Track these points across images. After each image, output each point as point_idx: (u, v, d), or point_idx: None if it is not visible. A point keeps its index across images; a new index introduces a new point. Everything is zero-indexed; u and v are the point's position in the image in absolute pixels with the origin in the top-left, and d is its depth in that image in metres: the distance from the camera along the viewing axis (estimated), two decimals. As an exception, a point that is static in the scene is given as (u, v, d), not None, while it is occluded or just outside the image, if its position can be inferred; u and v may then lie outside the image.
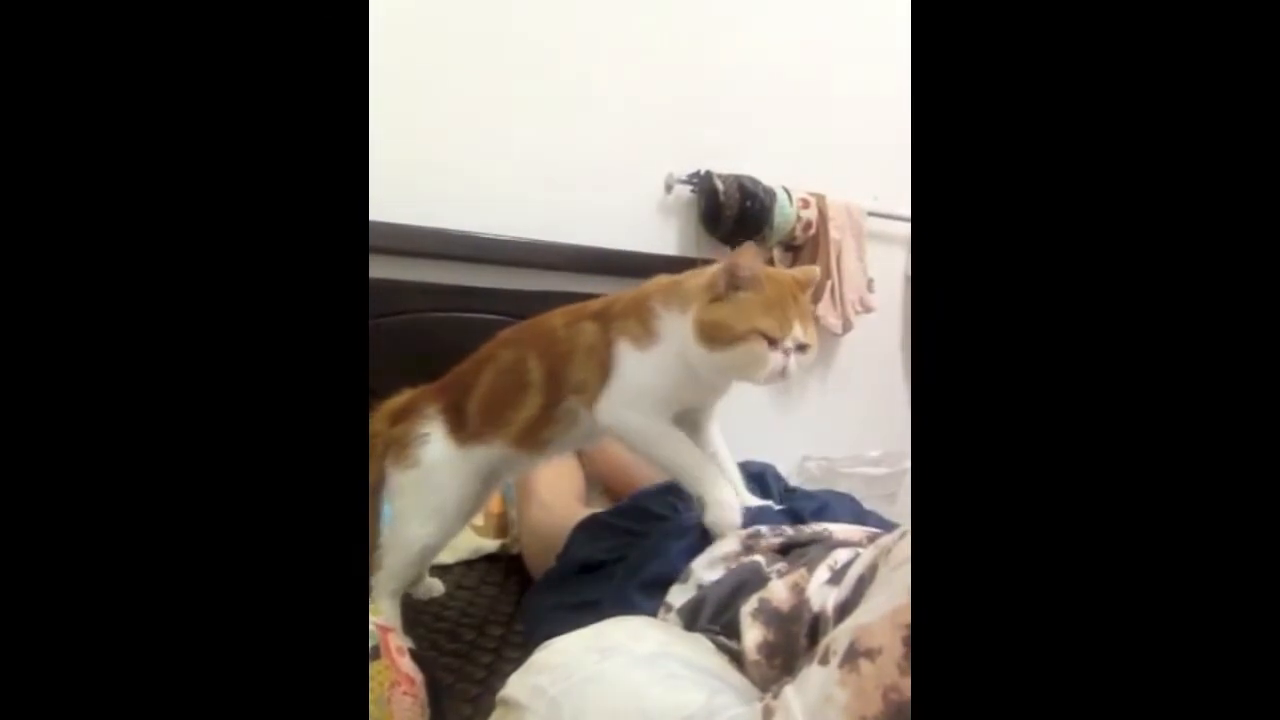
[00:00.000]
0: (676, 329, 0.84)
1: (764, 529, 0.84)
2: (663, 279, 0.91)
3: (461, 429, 0.93)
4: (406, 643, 0.77)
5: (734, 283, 0.81)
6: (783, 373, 0.82)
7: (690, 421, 0.93)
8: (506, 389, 0.92)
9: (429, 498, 0.93)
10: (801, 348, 0.82)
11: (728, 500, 0.85)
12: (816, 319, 0.85)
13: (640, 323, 0.86)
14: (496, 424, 0.92)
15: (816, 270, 0.94)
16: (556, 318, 0.93)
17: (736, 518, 0.84)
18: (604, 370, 0.88)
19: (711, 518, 0.84)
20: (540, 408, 0.91)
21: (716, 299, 0.81)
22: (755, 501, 0.96)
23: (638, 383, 0.86)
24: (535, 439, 0.92)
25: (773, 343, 0.80)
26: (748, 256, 0.80)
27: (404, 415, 0.96)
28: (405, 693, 0.68)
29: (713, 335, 0.80)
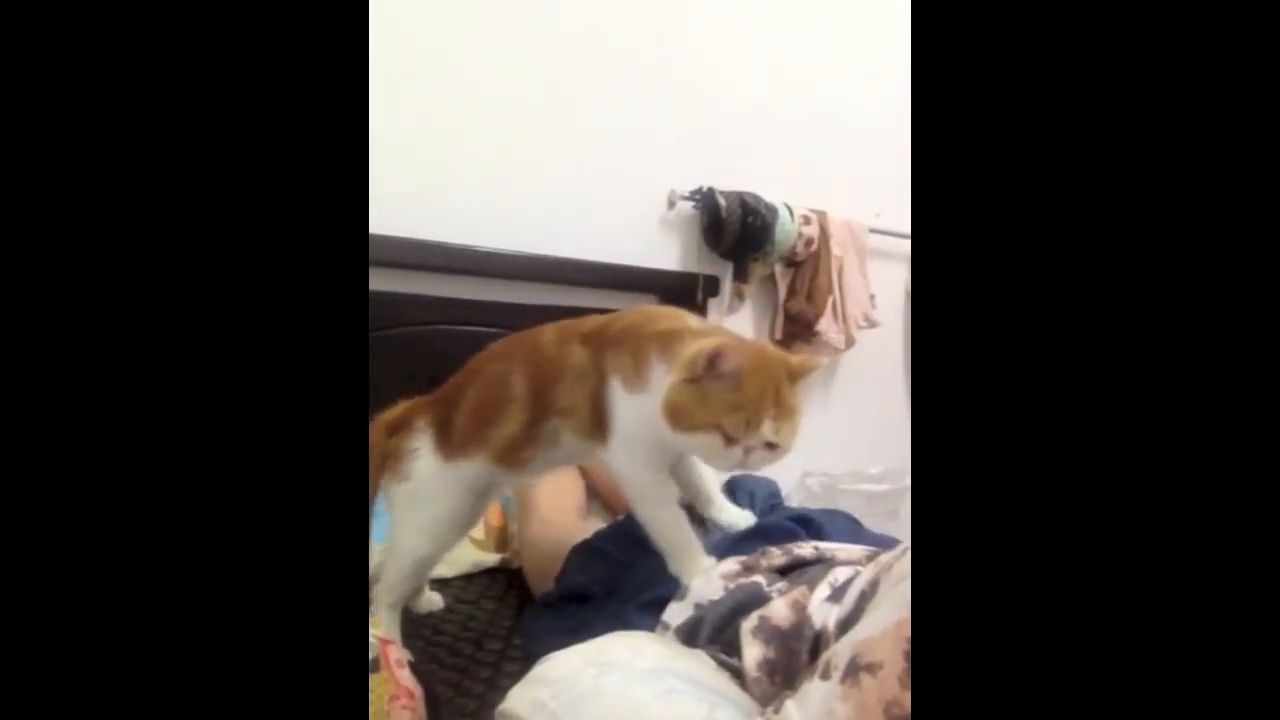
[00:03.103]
0: (663, 386, 0.80)
1: (769, 548, 0.84)
2: (666, 317, 0.88)
3: (448, 444, 0.92)
4: (406, 655, 0.77)
5: (713, 372, 0.77)
6: (740, 465, 0.81)
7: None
8: (490, 404, 0.91)
9: (421, 512, 0.94)
10: (770, 446, 0.79)
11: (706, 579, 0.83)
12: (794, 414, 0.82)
13: (634, 363, 0.83)
14: (479, 440, 0.91)
15: (820, 362, 0.88)
16: (547, 333, 0.92)
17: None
18: (595, 401, 0.86)
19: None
20: (523, 425, 0.89)
21: (692, 380, 0.78)
22: (739, 520, 0.97)
23: (633, 432, 0.85)
24: (516, 457, 0.91)
25: (731, 440, 0.78)
26: (733, 352, 0.77)
27: (399, 427, 0.95)
28: (404, 706, 0.68)
29: (675, 418, 0.78)
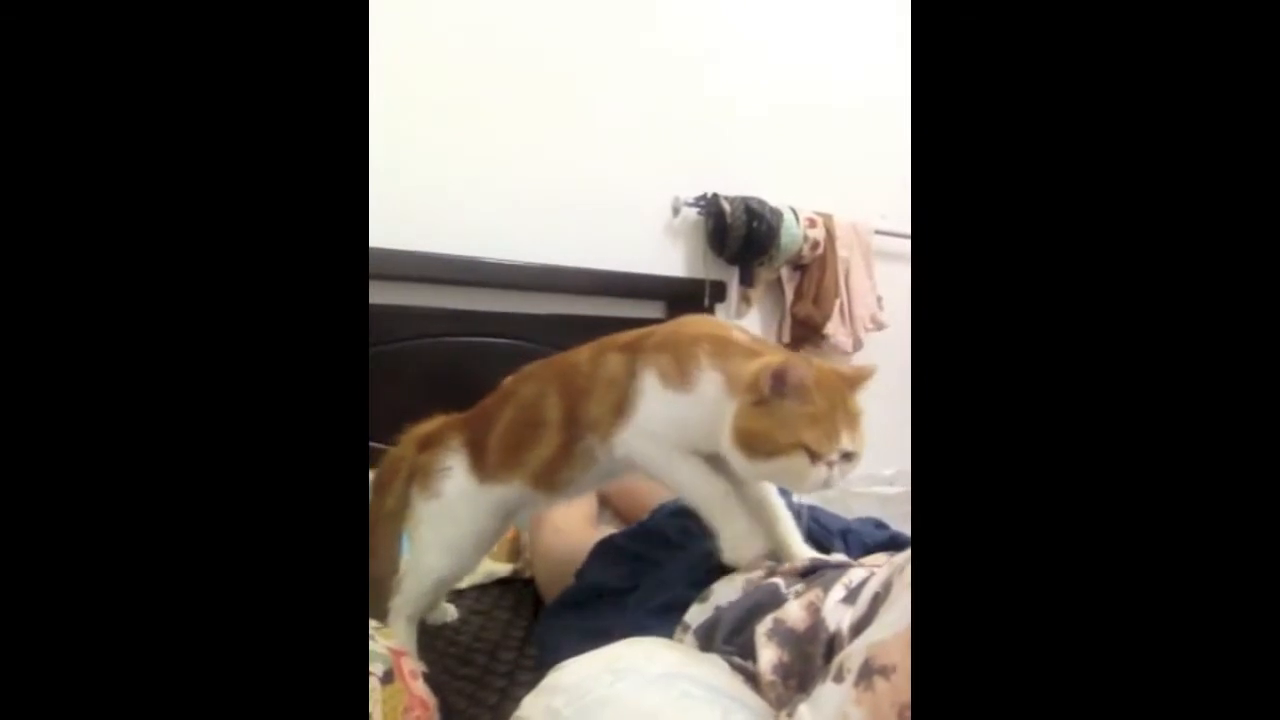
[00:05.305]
0: (715, 396, 0.78)
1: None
2: (710, 323, 0.86)
3: (482, 466, 0.91)
4: (420, 667, 0.77)
5: (780, 391, 0.74)
6: (825, 483, 0.77)
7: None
8: (524, 427, 0.90)
9: (447, 531, 0.93)
10: (848, 456, 0.77)
11: (743, 534, 0.81)
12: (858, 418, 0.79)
13: (677, 362, 0.81)
14: (515, 463, 0.90)
15: (873, 369, 0.85)
16: (583, 352, 0.90)
17: (751, 553, 0.80)
18: (621, 403, 0.83)
19: (728, 554, 0.81)
20: (558, 447, 0.88)
21: (760, 403, 0.74)
22: (811, 554, 0.89)
23: (661, 420, 0.81)
24: (553, 479, 0.89)
25: (815, 457, 0.74)
26: (800, 365, 0.74)
27: (431, 443, 0.95)
28: (419, 717, 0.68)
29: (751, 445, 0.75)
